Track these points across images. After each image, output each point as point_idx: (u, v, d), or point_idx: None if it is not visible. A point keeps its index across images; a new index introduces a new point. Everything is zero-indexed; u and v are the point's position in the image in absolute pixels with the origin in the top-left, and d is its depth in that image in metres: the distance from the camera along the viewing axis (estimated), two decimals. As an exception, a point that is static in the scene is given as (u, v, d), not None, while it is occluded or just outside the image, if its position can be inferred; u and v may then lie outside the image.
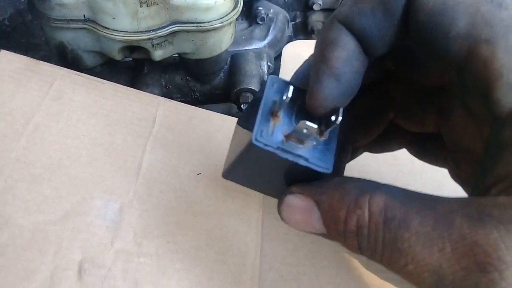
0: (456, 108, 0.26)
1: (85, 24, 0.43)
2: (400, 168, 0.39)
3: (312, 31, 0.71)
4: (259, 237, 0.35)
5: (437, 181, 0.32)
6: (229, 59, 0.53)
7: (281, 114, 0.23)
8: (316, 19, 0.70)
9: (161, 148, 0.38)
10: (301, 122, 0.22)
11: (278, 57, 0.61)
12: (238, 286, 0.32)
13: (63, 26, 0.43)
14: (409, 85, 0.28)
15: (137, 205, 0.35)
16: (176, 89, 0.51)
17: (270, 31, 0.66)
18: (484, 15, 0.21)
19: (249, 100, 0.50)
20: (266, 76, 0.53)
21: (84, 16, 0.43)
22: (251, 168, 0.27)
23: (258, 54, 0.53)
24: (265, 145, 0.23)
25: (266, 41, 0.64)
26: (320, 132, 0.23)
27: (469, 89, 0.23)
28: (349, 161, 0.33)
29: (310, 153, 0.23)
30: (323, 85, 0.23)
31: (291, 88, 0.22)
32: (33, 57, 0.40)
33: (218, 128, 0.41)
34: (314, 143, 0.23)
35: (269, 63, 0.60)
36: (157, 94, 0.45)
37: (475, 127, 0.25)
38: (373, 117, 0.30)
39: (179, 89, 0.52)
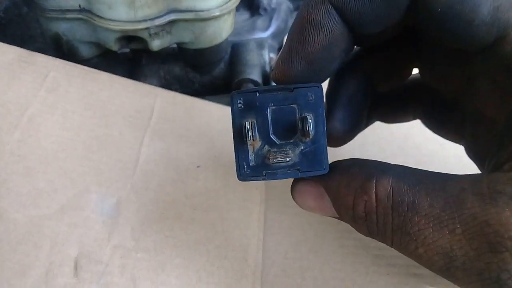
0: (481, 76, 0.24)
1: (80, 14, 0.42)
2: (407, 159, 0.38)
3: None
4: (261, 231, 0.34)
5: (446, 170, 0.31)
6: (229, 48, 0.51)
7: (257, 135, 0.22)
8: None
9: (159, 140, 0.37)
10: (275, 145, 0.22)
11: (281, 49, 0.60)
12: (240, 281, 0.31)
13: (58, 16, 0.42)
14: (434, 44, 0.26)
15: (134, 198, 0.34)
16: (175, 80, 0.50)
17: (273, 21, 0.64)
18: None
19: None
20: (268, 66, 0.52)
21: (79, 6, 0.41)
22: None
23: (260, 43, 0.52)
24: (252, 177, 0.22)
25: (268, 32, 0.62)
26: (303, 134, 0.22)
27: (495, 65, 0.22)
28: (362, 130, 0.31)
29: (300, 160, 0.22)
30: (292, 66, 0.22)
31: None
32: (29, 49, 0.39)
33: (218, 119, 0.40)
34: (302, 147, 0.22)
35: (271, 54, 0.59)
36: (155, 86, 0.44)
37: (499, 98, 0.24)
38: (398, 62, 0.29)
39: (178, 80, 0.50)
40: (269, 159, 0.22)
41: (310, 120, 0.22)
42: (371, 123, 0.32)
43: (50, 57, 0.39)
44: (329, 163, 0.23)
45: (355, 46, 0.26)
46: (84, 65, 0.40)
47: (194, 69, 0.50)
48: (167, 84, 0.50)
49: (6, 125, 0.35)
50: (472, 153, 0.28)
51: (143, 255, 0.31)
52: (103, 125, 0.37)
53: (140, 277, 0.30)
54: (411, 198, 0.20)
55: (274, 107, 0.22)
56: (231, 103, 0.23)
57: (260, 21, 0.64)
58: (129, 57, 0.50)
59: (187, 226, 0.33)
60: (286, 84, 0.23)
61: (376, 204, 0.21)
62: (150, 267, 0.31)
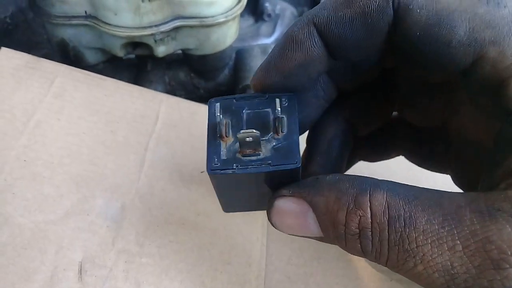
0: (464, 103, 0.25)
1: (86, 20, 0.42)
2: (411, 166, 0.38)
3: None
4: (265, 236, 0.34)
5: (450, 180, 0.31)
6: (234, 55, 0.52)
7: (230, 133, 0.23)
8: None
9: (164, 146, 0.38)
10: (239, 134, 0.21)
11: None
12: (243, 286, 0.31)
13: (65, 22, 0.42)
14: (413, 80, 0.27)
15: (139, 203, 0.34)
16: (180, 86, 0.51)
17: (277, 27, 0.65)
18: (483, 17, 0.20)
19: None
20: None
21: (85, 12, 0.42)
22: (235, 193, 0.26)
23: (264, 49, 0.53)
24: (222, 169, 0.22)
25: (273, 38, 0.63)
26: (275, 130, 0.22)
27: (477, 87, 0.22)
28: (344, 172, 0.31)
29: (272, 155, 0.22)
30: (269, 77, 0.23)
31: (217, 105, 0.22)
32: (35, 55, 0.40)
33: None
34: (274, 143, 0.22)
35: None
36: (160, 91, 0.44)
37: (485, 121, 0.24)
38: (376, 107, 0.29)
39: (183, 86, 0.51)
40: (240, 153, 0.22)
41: (283, 117, 0.22)
42: (354, 163, 0.32)
43: (56, 63, 0.40)
44: (300, 166, 0.23)
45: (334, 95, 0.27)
46: (90, 71, 0.40)
47: (199, 75, 0.51)
48: (172, 90, 0.50)
49: (12, 131, 0.35)
50: (459, 181, 0.28)
51: (147, 260, 0.31)
52: (108, 131, 0.37)
53: (144, 281, 0.31)
54: (408, 213, 0.20)
55: (249, 111, 0.23)
56: (208, 107, 0.23)
57: (264, 27, 0.64)
58: (134, 63, 0.51)
59: (191, 231, 0.33)
60: (262, 92, 0.23)
61: (371, 219, 0.20)
62: (154, 272, 0.31)
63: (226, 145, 0.22)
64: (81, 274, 0.30)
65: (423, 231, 0.19)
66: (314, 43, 0.22)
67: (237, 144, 0.22)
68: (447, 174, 0.29)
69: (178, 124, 0.39)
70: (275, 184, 0.24)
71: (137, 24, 0.41)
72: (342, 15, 0.22)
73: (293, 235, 0.24)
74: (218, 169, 0.22)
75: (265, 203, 0.27)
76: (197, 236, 0.33)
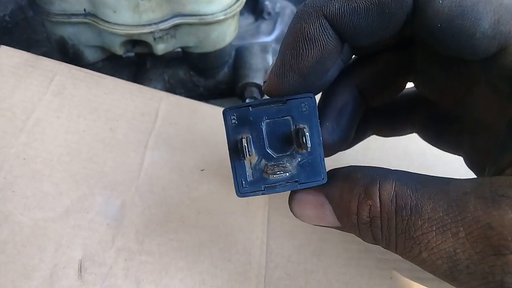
0: (480, 83, 0.24)
1: (85, 18, 0.42)
2: (411, 163, 0.38)
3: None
4: (265, 234, 0.34)
5: (449, 175, 0.31)
6: (233, 52, 0.52)
7: (253, 150, 0.22)
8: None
9: (163, 144, 0.38)
10: (269, 162, 0.21)
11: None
12: (244, 284, 0.31)
13: (64, 20, 0.42)
14: (430, 53, 0.26)
15: (139, 202, 0.34)
16: (179, 84, 0.51)
17: (277, 25, 0.64)
18: (509, 8, 0.19)
19: (254, 95, 0.49)
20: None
21: (84, 10, 0.42)
22: None
23: (263, 47, 0.52)
24: (251, 192, 0.22)
25: (273, 36, 0.62)
26: (299, 145, 0.22)
27: (495, 75, 0.21)
28: (357, 143, 0.31)
29: (298, 172, 0.22)
30: (286, 80, 0.22)
31: (244, 142, 0.21)
32: (35, 53, 0.40)
33: (222, 123, 0.40)
34: (299, 159, 0.22)
35: (275, 58, 0.59)
36: (160, 89, 0.44)
37: (499, 104, 0.23)
38: (392, 76, 0.28)
39: (183, 84, 0.51)
40: (267, 173, 0.22)
41: (307, 132, 0.21)
42: (367, 136, 0.32)
43: (56, 61, 0.40)
44: (327, 171, 0.23)
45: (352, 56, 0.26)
46: (89, 69, 0.40)
47: (199, 73, 0.51)
48: (172, 88, 0.50)
49: (12, 129, 0.35)
50: (471, 163, 0.28)
51: (147, 258, 0.31)
52: (107, 129, 0.37)
53: (144, 279, 0.30)
54: (414, 202, 0.20)
55: (268, 121, 0.22)
56: (224, 120, 0.22)
57: (264, 25, 0.64)
58: (133, 61, 0.50)
59: (191, 229, 0.33)
60: (279, 97, 0.22)
61: (380, 208, 0.21)
62: (154, 270, 0.31)
63: (251, 165, 0.22)
64: (81, 272, 0.30)
65: (428, 218, 0.19)
66: (329, 37, 0.21)
67: (262, 161, 0.22)
68: (459, 155, 0.29)
69: (178, 122, 0.39)
70: None
71: (136, 22, 0.41)
72: (356, 6, 0.21)
73: (314, 224, 0.24)
74: (247, 192, 0.22)
75: None
76: (197, 234, 0.33)
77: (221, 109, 0.41)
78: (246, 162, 0.22)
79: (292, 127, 0.22)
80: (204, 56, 0.47)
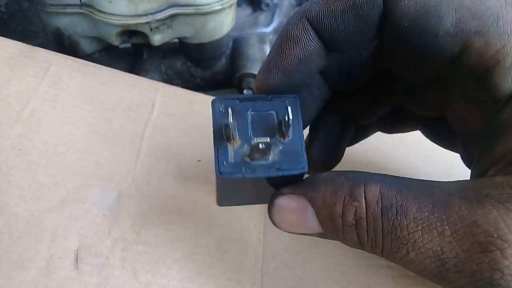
0: (456, 95, 0.25)
1: (81, 8, 0.42)
2: (407, 152, 0.38)
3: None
4: (262, 223, 0.34)
5: (446, 163, 0.31)
6: (230, 43, 0.51)
7: (236, 135, 0.23)
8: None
9: (160, 134, 0.37)
10: (252, 142, 0.22)
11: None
12: (241, 274, 0.31)
13: (59, 11, 0.42)
14: (408, 77, 0.27)
15: (135, 192, 0.34)
16: (176, 75, 0.50)
17: (275, 17, 0.64)
18: (469, 8, 0.21)
19: (252, 85, 0.49)
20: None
21: (80, 0, 0.41)
22: (237, 191, 0.27)
23: (261, 37, 0.52)
24: (231, 173, 0.22)
25: (271, 28, 0.62)
26: (282, 134, 0.23)
27: (465, 78, 0.22)
28: (361, 140, 0.32)
29: (280, 159, 0.22)
30: (271, 77, 0.23)
31: (230, 112, 0.22)
32: (30, 44, 0.39)
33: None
34: (281, 147, 0.23)
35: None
36: (157, 80, 0.44)
37: (477, 112, 0.24)
38: (377, 98, 0.29)
39: (180, 75, 0.50)
40: (249, 157, 0.22)
41: (289, 121, 0.22)
42: (372, 133, 0.33)
43: (51, 52, 0.39)
44: (308, 174, 0.23)
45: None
46: (85, 60, 0.40)
47: (196, 64, 0.50)
48: (169, 79, 0.50)
49: (7, 119, 0.35)
50: (467, 162, 0.29)
51: (144, 248, 0.31)
52: (103, 119, 0.37)
53: (140, 269, 0.30)
54: (400, 202, 0.20)
55: (253, 113, 0.23)
56: (212, 108, 0.23)
57: (262, 17, 0.63)
58: (130, 52, 0.50)
59: (188, 219, 0.33)
60: (266, 94, 0.24)
61: (366, 210, 0.21)
62: (151, 260, 0.31)
63: (233, 148, 0.22)
64: (77, 262, 0.30)
65: (414, 218, 0.20)
66: (310, 38, 0.23)
67: (245, 147, 0.22)
68: (457, 153, 0.30)
69: (175, 112, 0.39)
70: (277, 183, 0.24)
71: (132, 12, 0.41)
72: (333, 8, 0.22)
73: (293, 233, 0.24)
74: (227, 173, 0.22)
75: (260, 199, 0.28)
76: (194, 224, 0.33)
77: (218, 100, 0.41)
78: (229, 146, 0.22)
79: (276, 119, 0.23)
80: (201, 46, 0.47)
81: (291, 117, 0.22)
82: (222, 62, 0.51)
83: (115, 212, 0.32)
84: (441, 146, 0.31)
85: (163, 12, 0.42)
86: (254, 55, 0.50)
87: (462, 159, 0.29)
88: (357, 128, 0.31)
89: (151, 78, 0.47)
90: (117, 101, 0.38)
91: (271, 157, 0.22)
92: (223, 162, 0.22)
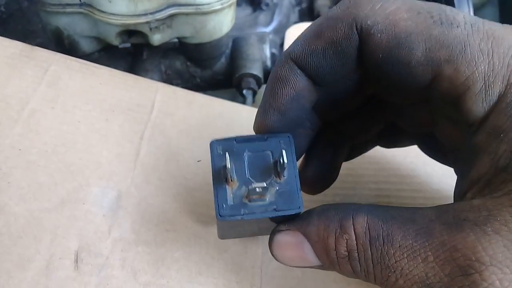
0: (440, 117, 0.26)
1: (81, 8, 0.42)
2: (407, 153, 0.38)
3: (319, 16, 0.69)
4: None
5: (441, 167, 0.31)
6: (230, 43, 0.51)
7: (234, 177, 0.24)
8: (322, 4, 0.69)
9: (159, 134, 0.37)
10: (250, 188, 0.23)
11: (282, 45, 0.60)
12: (240, 273, 0.31)
13: (59, 10, 0.42)
14: (394, 101, 0.28)
15: (135, 192, 0.34)
16: (176, 74, 0.50)
17: (275, 16, 0.64)
18: (438, 38, 0.22)
19: (251, 86, 0.49)
20: (268, 61, 0.52)
21: (79, 0, 0.41)
22: (237, 228, 0.28)
23: (261, 37, 0.52)
24: (231, 216, 0.23)
25: (271, 27, 0.62)
26: (277, 175, 0.24)
27: (442, 103, 0.23)
28: (359, 155, 0.34)
29: (276, 200, 0.24)
30: (268, 118, 0.25)
31: (227, 156, 0.23)
32: (30, 44, 0.39)
33: (219, 114, 0.40)
34: (277, 187, 0.24)
35: (273, 50, 0.59)
36: (156, 80, 0.44)
37: (458, 132, 0.25)
38: (368, 119, 0.31)
39: (180, 75, 0.50)
40: (247, 199, 0.23)
41: (284, 162, 0.23)
42: (370, 148, 0.34)
43: (51, 52, 0.39)
44: (303, 210, 0.24)
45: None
46: (85, 60, 0.40)
47: (195, 64, 0.50)
48: (168, 79, 0.50)
49: (6, 119, 0.35)
50: (459, 176, 0.29)
51: (143, 248, 0.31)
52: (103, 119, 0.37)
53: (140, 270, 0.30)
54: (386, 232, 0.21)
55: (250, 153, 0.24)
56: (210, 150, 0.24)
57: (262, 16, 0.63)
58: (130, 52, 0.50)
59: (187, 219, 0.33)
60: (263, 134, 0.25)
61: (356, 241, 0.22)
62: (150, 260, 0.31)
63: (232, 190, 0.24)
64: (77, 262, 0.30)
65: (399, 246, 0.21)
66: (297, 76, 0.25)
67: (243, 188, 0.23)
68: (451, 167, 0.30)
69: (174, 112, 0.39)
70: (276, 219, 0.25)
71: (131, 11, 0.41)
72: (314, 47, 0.24)
73: (296, 267, 0.26)
74: (227, 215, 0.23)
75: (260, 232, 0.30)
76: (194, 224, 0.33)
77: (217, 100, 0.41)
78: (228, 188, 0.23)
79: (272, 159, 0.24)
80: (201, 46, 0.47)
81: (285, 160, 0.23)
82: (222, 62, 0.51)
83: (114, 212, 0.32)
84: (436, 160, 0.32)
85: (162, 12, 0.42)
86: (254, 55, 0.50)
87: (455, 173, 0.29)
88: (354, 145, 0.32)
89: (151, 78, 0.47)
90: (117, 101, 0.38)
91: (268, 198, 0.23)
92: (222, 205, 0.23)
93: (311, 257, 0.24)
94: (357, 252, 0.22)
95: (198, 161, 0.37)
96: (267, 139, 0.25)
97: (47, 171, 0.33)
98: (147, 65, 0.49)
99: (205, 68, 0.50)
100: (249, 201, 0.23)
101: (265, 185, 0.23)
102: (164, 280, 0.30)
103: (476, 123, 0.22)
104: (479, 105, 0.21)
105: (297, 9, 0.71)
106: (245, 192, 0.23)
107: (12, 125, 0.34)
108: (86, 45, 0.46)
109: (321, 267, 0.25)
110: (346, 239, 0.22)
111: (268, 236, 0.26)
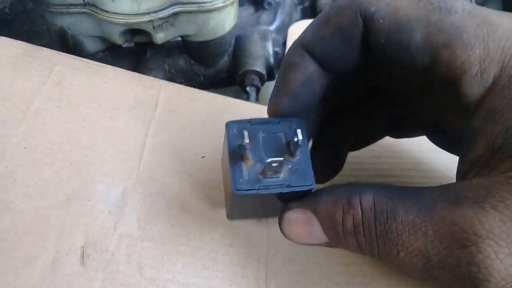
0: (442, 105, 0.27)
1: (84, 8, 0.42)
2: (411, 147, 0.38)
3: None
4: (266, 218, 0.34)
5: (449, 157, 0.31)
6: (233, 41, 0.51)
7: (250, 154, 0.25)
8: (325, 2, 0.69)
9: (164, 132, 0.38)
10: (267, 162, 0.24)
11: (285, 43, 0.60)
12: (245, 268, 0.31)
13: (63, 11, 0.42)
14: (397, 91, 0.29)
15: (140, 189, 0.34)
16: (180, 73, 0.50)
17: (277, 15, 0.64)
18: (436, 23, 0.23)
19: (255, 83, 0.49)
20: (271, 58, 0.52)
21: (83, 0, 0.42)
22: (247, 207, 0.29)
23: (263, 35, 0.52)
24: (247, 190, 0.24)
25: (273, 26, 0.62)
26: (291, 154, 0.25)
27: (441, 89, 0.24)
28: (368, 145, 0.35)
29: (290, 176, 0.25)
30: (281, 102, 0.26)
31: (246, 134, 0.24)
32: (35, 45, 0.39)
33: (223, 110, 0.40)
34: (290, 166, 0.25)
35: (276, 48, 0.59)
36: (160, 79, 0.44)
37: (459, 119, 0.26)
38: (373, 110, 0.31)
39: (183, 73, 0.51)
40: (261, 175, 0.25)
41: (297, 142, 0.24)
42: (378, 139, 0.35)
43: (55, 51, 0.40)
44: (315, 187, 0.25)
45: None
46: (89, 59, 0.40)
47: (199, 62, 0.51)
48: (172, 78, 0.50)
49: (12, 118, 0.35)
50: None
51: (149, 244, 0.31)
52: (107, 117, 0.37)
53: (146, 265, 0.31)
54: (390, 208, 0.22)
55: (263, 134, 0.26)
56: (226, 129, 0.26)
57: (264, 15, 0.64)
58: (133, 51, 0.50)
59: (192, 215, 0.33)
60: (275, 118, 0.26)
61: (362, 216, 0.23)
62: (156, 256, 0.31)
63: (247, 167, 0.25)
64: (83, 258, 0.30)
65: (401, 221, 0.22)
66: (307, 62, 0.26)
67: (258, 165, 0.25)
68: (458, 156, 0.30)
69: (178, 110, 0.39)
70: (286, 198, 0.26)
71: (135, 10, 0.41)
72: (323, 34, 0.25)
73: (304, 244, 0.27)
74: (243, 190, 0.24)
75: (267, 213, 0.32)
76: (199, 219, 0.33)
77: (221, 97, 0.41)
78: (243, 165, 0.25)
79: (284, 140, 0.26)
80: (204, 44, 0.47)
81: (300, 137, 0.24)
82: (225, 59, 0.51)
83: (120, 208, 0.33)
84: (444, 149, 0.32)
85: (166, 10, 0.42)
86: (257, 52, 0.50)
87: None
88: (360, 136, 0.33)
89: (155, 76, 0.48)
90: (121, 99, 0.38)
91: (282, 175, 0.25)
92: (238, 180, 0.25)
93: (319, 234, 0.25)
94: (363, 226, 0.23)
95: (202, 157, 0.37)
96: (279, 122, 0.26)
97: (53, 169, 0.33)
98: (151, 64, 0.49)
99: (209, 66, 0.51)
100: (264, 177, 0.25)
101: (282, 159, 0.24)
102: (170, 275, 0.30)
103: (472, 106, 0.23)
104: (475, 88, 0.22)
105: (299, 8, 0.71)
106: (260, 169, 0.25)
107: (17, 123, 0.35)
108: (90, 45, 0.46)
109: (328, 244, 0.26)
110: (353, 214, 0.23)
111: (275, 218, 0.27)
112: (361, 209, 0.23)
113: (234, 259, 0.32)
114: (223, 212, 0.33)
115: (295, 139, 0.24)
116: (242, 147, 0.24)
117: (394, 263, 0.23)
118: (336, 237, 0.24)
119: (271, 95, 0.27)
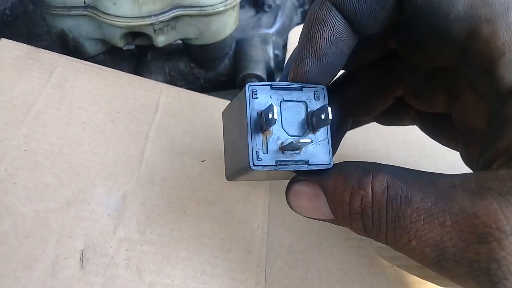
0: (464, 88, 0.25)
1: (85, 10, 0.42)
2: (410, 152, 0.38)
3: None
4: (265, 223, 0.34)
5: (449, 164, 0.31)
6: (234, 44, 0.51)
7: (270, 126, 0.23)
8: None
9: (164, 135, 0.38)
10: (288, 142, 0.22)
11: (286, 46, 0.60)
12: (244, 273, 0.31)
13: (64, 13, 0.42)
14: (415, 65, 0.27)
15: (140, 192, 0.34)
16: (180, 76, 0.50)
17: (278, 18, 0.64)
18: None
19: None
20: (272, 62, 0.52)
21: (84, 2, 0.42)
22: (256, 174, 0.27)
23: (264, 38, 0.52)
24: (264, 166, 0.22)
25: (273, 29, 0.62)
26: (313, 129, 0.23)
27: (473, 67, 0.22)
28: (354, 128, 0.32)
29: (308, 154, 0.23)
30: (305, 64, 0.24)
31: (275, 109, 0.22)
32: (35, 47, 0.39)
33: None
34: (310, 142, 0.23)
35: (276, 51, 0.59)
36: (161, 82, 0.44)
37: (483, 107, 0.24)
38: (377, 93, 0.30)
39: (184, 76, 0.51)
40: (280, 150, 0.23)
41: (319, 116, 0.23)
42: (366, 123, 0.33)
43: (56, 54, 0.40)
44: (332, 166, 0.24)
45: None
46: (90, 61, 0.40)
47: (199, 65, 0.51)
48: (173, 81, 0.50)
49: (13, 121, 0.35)
50: (466, 160, 0.29)
51: (148, 248, 0.32)
52: (108, 120, 0.37)
53: (145, 269, 0.31)
54: (405, 193, 0.21)
55: (285, 102, 0.24)
56: (245, 94, 0.23)
57: (265, 18, 0.64)
58: (134, 54, 0.50)
59: (192, 219, 0.33)
60: (298, 83, 0.24)
61: (372, 199, 0.21)
62: (155, 260, 0.31)
63: (266, 139, 0.23)
64: (82, 262, 0.30)
65: (417, 208, 0.20)
66: (336, 19, 0.23)
67: (277, 138, 0.23)
68: (457, 150, 0.30)
69: (178, 113, 0.39)
70: (300, 172, 0.25)
71: (136, 13, 0.41)
72: None
73: (308, 217, 0.25)
74: (260, 165, 0.22)
75: (271, 178, 0.29)
76: (198, 224, 0.33)
77: (220, 101, 0.42)
78: (263, 137, 0.23)
79: (306, 112, 0.24)
80: (205, 48, 0.47)
81: (330, 117, 0.22)
82: (225, 63, 0.51)
83: (120, 212, 0.33)
84: (439, 142, 0.31)
85: (166, 14, 0.42)
86: (257, 56, 0.50)
87: (461, 157, 0.29)
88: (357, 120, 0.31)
89: (155, 79, 0.47)
90: (122, 102, 0.38)
91: (301, 151, 0.23)
92: (256, 154, 0.22)
93: (325, 210, 0.24)
94: (372, 209, 0.21)
95: (202, 161, 0.37)
96: (302, 89, 0.24)
97: (53, 172, 0.33)
98: (151, 67, 0.49)
99: (209, 69, 0.51)
100: (283, 152, 0.23)
101: (306, 141, 0.22)
102: (169, 279, 0.31)
103: (506, 91, 0.21)
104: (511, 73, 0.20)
105: (299, 10, 0.71)
106: (280, 143, 0.23)
107: (18, 126, 0.35)
108: (91, 47, 0.46)
109: (334, 221, 0.25)
110: (362, 195, 0.22)
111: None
112: (372, 192, 0.21)
113: (233, 264, 0.32)
114: (223, 217, 0.34)
115: (322, 116, 0.22)
116: (265, 118, 0.22)
117: (403, 250, 0.21)
118: (342, 216, 0.23)
119: (293, 58, 0.25)
